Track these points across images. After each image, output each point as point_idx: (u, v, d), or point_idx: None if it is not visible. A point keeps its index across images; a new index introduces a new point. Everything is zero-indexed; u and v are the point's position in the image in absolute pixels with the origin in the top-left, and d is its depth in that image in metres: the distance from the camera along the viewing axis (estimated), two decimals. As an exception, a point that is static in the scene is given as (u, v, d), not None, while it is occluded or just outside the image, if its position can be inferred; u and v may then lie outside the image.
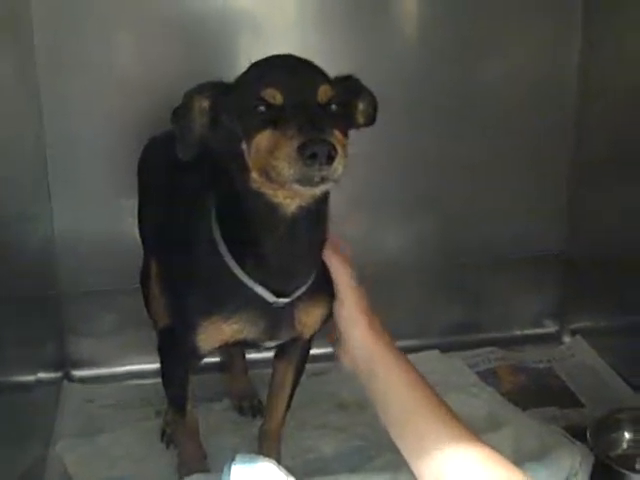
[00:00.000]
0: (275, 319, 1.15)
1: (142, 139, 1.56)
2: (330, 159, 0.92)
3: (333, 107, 1.02)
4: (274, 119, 0.98)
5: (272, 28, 1.69)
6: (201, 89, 1.06)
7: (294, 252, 1.09)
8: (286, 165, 0.94)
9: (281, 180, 0.96)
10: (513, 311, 1.97)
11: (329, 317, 1.22)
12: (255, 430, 1.49)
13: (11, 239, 1.38)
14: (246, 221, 1.08)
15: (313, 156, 0.92)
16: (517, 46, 1.79)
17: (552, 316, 1.97)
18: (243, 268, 1.11)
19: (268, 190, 1.02)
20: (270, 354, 1.53)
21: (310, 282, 1.15)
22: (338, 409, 1.64)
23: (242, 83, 1.06)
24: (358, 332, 1.18)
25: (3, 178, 1.33)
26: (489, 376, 1.75)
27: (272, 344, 1.22)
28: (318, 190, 0.98)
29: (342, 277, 1.19)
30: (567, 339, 1.92)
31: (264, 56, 1.08)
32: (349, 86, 1.09)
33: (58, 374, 1.76)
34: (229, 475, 1.12)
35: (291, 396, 1.36)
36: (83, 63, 1.65)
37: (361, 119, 1.13)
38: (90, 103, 1.67)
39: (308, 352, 1.33)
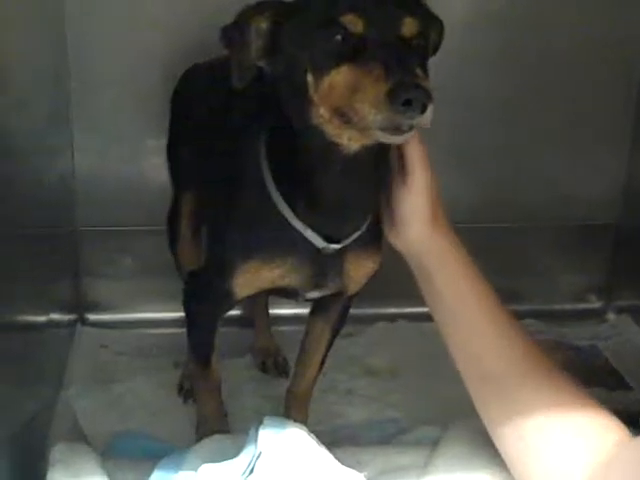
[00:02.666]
0: (322, 267, 1.05)
1: (171, 75, 1.47)
2: (424, 107, 0.81)
3: (415, 42, 0.90)
4: (353, 52, 0.86)
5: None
6: (260, 8, 0.94)
7: (350, 194, 0.99)
8: (373, 110, 0.82)
9: (363, 125, 0.85)
10: (554, 283, 1.85)
11: (376, 271, 1.12)
12: (279, 390, 1.40)
13: (27, 171, 1.28)
14: (300, 158, 0.97)
15: (407, 103, 0.80)
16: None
17: (597, 291, 1.86)
18: (292, 208, 1.00)
19: (332, 130, 0.91)
20: (295, 310, 1.44)
21: (364, 229, 1.04)
22: (367, 375, 1.54)
23: (311, 3, 0.93)
24: (418, 224, 1.07)
25: (21, 104, 1.24)
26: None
27: (314, 295, 1.11)
28: (403, 138, 0.87)
29: (418, 155, 1.05)
30: (612, 316, 1.81)
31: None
32: (421, 13, 0.96)
33: (72, 316, 1.67)
34: (256, 440, 1.03)
35: (324, 357, 1.27)
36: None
37: (430, 51, 1.01)
38: (117, 35, 1.57)
39: (348, 310, 1.23)
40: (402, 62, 0.83)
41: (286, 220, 1.01)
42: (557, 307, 1.84)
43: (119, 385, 1.45)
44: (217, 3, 1.52)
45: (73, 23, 1.53)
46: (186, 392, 1.42)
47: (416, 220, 1.07)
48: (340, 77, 0.86)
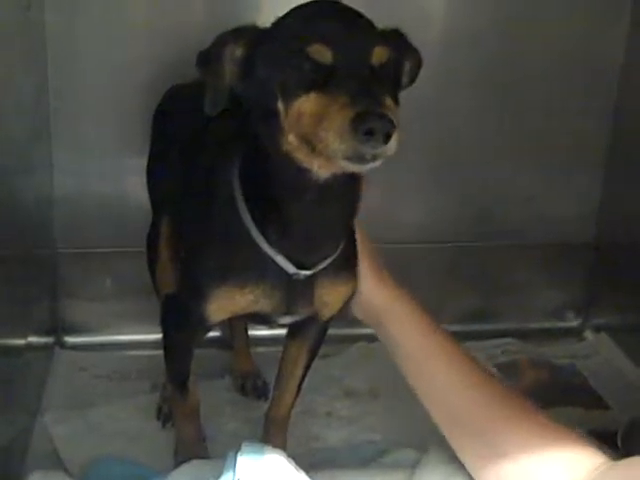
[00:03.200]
0: (293, 293, 1.05)
1: (152, 94, 1.47)
2: (387, 137, 0.81)
3: (386, 70, 0.90)
4: (321, 81, 0.86)
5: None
6: (235, 35, 0.95)
7: (321, 221, 1.00)
8: (337, 139, 0.82)
9: (327, 154, 0.85)
10: (532, 301, 1.86)
11: (350, 298, 1.13)
12: (258, 412, 1.40)
13: (5, 191, 1.28)
14: (271, 184, 0.98)
15: (369, 133, 0.81)
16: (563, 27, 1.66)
17: (575, 309, 1.87)
18: (264, 234, 1.01)
19: (302, 157, 0.92)
20: (275, 331, 1.44)
21: (335, 255, 1.05)
22: (346, 396, 1.54)
23: (283, 32, 0.93)
24: (366, 286, 1.15)
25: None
26: (509, 369, 1.64)
27: (287, 320, 1.12)
28: (367, 168, 0.86)
29: (357, 231, 1.12)
30: (590, 335, 1.82)
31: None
32: (396, 43, 0.97)
33: (49, 339, 1.66)
34: (234, 466, 1.02)
35: (302, 380, 1.26)
36: (91, 9, 1.53)
37: (405, 80, 1.02)
38: (98, 54, 1.57)
39: (324, 334, 1.23)
40: (368, 91, 0.84)
41: (258, 246, 1.01)
42: (534, 325, 1.85)
43: (97, 410, 1.43)
44: (199, 24, 1.56)
45: (54, 42, 1.53)
46: (164, 416, 1.41)
47: (364, 281, 1.14)
48: (307, 105, 0.86)
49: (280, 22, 0.95)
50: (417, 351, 1.12)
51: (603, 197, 1.77)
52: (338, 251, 1.05)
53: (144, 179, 1.50)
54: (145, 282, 1.50)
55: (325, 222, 1.00)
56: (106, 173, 1.64)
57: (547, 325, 1.86)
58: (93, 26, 1.54)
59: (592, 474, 0.95)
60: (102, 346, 1.68)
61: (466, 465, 1.08)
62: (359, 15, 0.93)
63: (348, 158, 0.84)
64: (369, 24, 0.93)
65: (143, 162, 1.48)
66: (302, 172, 0.93)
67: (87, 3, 1.53)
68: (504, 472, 1.00)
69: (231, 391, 1.54)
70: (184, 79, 1.41)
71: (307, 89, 0.87)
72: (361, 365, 1.62)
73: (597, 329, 1.81)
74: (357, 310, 1.19)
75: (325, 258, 1.04)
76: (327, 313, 1.12)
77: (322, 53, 0.87)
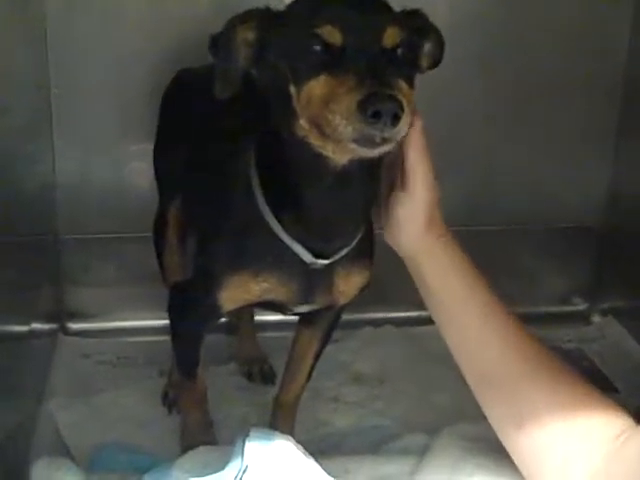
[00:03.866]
0: (310, 282, 1.03)
1: (154, 82, 1.46)
2: (396, 119, 0.80)
3: (399, 52, 0.88)
4: (331, 63, 0.84)
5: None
6: (246, 17, 0.92)
7: (340, 209, 0.97)
8: (343, 121, 0.81)
9: (335, 137, 0.83)
10: (539, 285, 1.84)
11: (367, 286, 1.10)
12: (264, 398, 1.39)
13: (8, 178, 1.27)
14: (288, 170, 0.95)
15: (377, 115, 0.79)
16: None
17: (582, 293, 1.85)
18: (280, 221, 0.98)
19: (316, 141, 0.89)
20: (281, 317, 1.42)
21: (354, 244, 1.02)
22: (354, 381, 1.52)
23: (294, 14, 0.91)
24: (413, 227, 1.07)
25: (1, 112, 1.22)
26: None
27: (303, 309, 1.09)
28: (377, 152, 0.85)
29: (420, 160, 1.04)
30: (597, 319, 1.81)
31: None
32: (415, 24, 0.95)
33: (53, 326, 1.64)
34: (242, 453, 1.01)
35: (313, 367, 1.25)
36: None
37: (425, 62, 0.99)
38: (100, 42, 1.55)
39: (338, 321, 1.21)
40: (378, 73, 0.82)
41: (274, 233, 0.99)
42: (542, 310, 1.83)
43: (102, 396, 1.42)
44: (201, 10, 1.54)
45: (55, 30, 1.51)
46: (171, 402, 1.40)
47: (411, 224, 1.07)
48: (316, 87, 0.85)
49: (292, 5, 0.93)
50: (451, 301, 1.08)
51: (610, 180, 1.75)
52: (356, 240, 1.03)
53: (145, 165, 1.48)
54: (149, 267, 1.49)
55: (343, 210, 0.97)
56: (108, 159, 1.62)
57: (554, 310, 1.84)
58: (95, 14, 1.52)
59: (617, 441, 0.95)
60: (106, 332, 1.66)
61: (492, 423, 1.07)
62: (382, 3, 0.91)
63: (356, 141, 0.82)
64: (383, 5, 0.91)
65: (144, 148, 1.47)
66: (319, 158, 0.91)
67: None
68: (531, 434, 0.99)
69: (237, 376, 1.53)
70: (188, 65, 1.40)
71: (317, 71, 0.85)
72: (369, 350, 1.60)
73: (604, 313, 1.80)
74: (393, 242, 1.11)
75: (343, 247, 1.01)
76: (342, 301, 1.10)
77: (332, 34, 0.85)
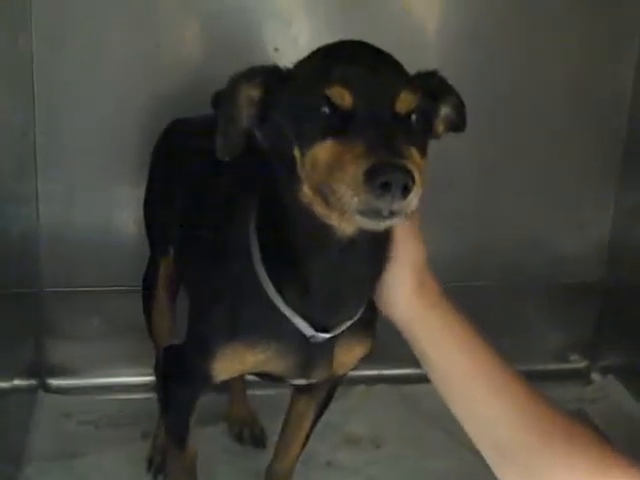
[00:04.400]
0: (309, 356, 0.96)
1: (141, 127, 1.44)
2: (406, 191, 0.73)
3: (413, 118, 0.82)
4: (339, 127, 0.79)
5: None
6: (252, 74, 0.86)
7: (345, 283, 0.90)
8: (349, 192, 0.74)
9: (340, 207, 0.77)
10: (538, 342, 1.79)
11: (368, 355, 1.03)
12: (256, 462, 1.34)
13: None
14: (291, 238, 0.89)
15: (385, 186, 0.73)
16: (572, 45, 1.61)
17: (581, 350, 1.81)
18: (280, 292, 0.92)
19: (321, 210, 0.83)
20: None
21: (357, 318, 0.96)
22: (347, 444, 1.47)
23: (303, 73, 0.86)
24: (402, 293, 0.98)
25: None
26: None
27: (301, 382, 1.02)
28: (384, 225, 0.78)
29: (406, 229, 0.96)
30: (597, 377, 1.76)
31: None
32: (432, 86, 0.89)
33: (33, 382, 1.58)
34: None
35: (309, 435, 1.19)
36: (80, 42, 1.48)
37: (441, 127, 0.93)
38: (86, 87, 1.51)
39: (335, 389, 1.15)
40: (389, 141, 0.76)
41: (272, 302, 0.92)
42: (540, 367, 1.77)
43: (83, 460, 1.36)
44: (192, 57, 1.51)
45: (42, 76, 1.47)
46: (156, 468, 1.34)
47: (400, 290, 0.98)
48: (322, 153, 0.79)
49: (301, 63, 0.88)
50: (454, 374, 0.98)
51: (612, 235, 1.72)
52: (360, 313, 0.96)
53: (134, 215, 1.44)
54: (134, 321, 1.42)
55: (349, 284, 0.91)
56: (94, 209, 1.58)
57: (552, 367, 1.79)
58: (82, 60, 1.49)
59: None
60: (88, 389, 1.60)
61: None
62: (387, 57, 0.86)
63: (362, 213, 0.75)
64: (398, 67, 0.86)
65: (133, 197, 1.43)
66: (324, 227, 0.85)
67: (76, 36, 1.47)
68: None
69: (227, 439, 1.47)
70: (174, 112, 1.36)
71: (323, 135, 0.79)
72: (362, 410, 1.54)
73: (604, 371, 1.76)
74: (387, 313, 1.02)
75: (346, 320, 0.95)
76: (341, 371, 1.04)
77: (342, 96, 0.79)
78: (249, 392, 1.53)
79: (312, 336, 0.93)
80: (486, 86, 1.58)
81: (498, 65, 1.59)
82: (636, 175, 1.66)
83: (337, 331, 0.94)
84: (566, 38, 1.60)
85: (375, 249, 0.91)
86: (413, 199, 0.74)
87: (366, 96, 0.79)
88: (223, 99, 0.87)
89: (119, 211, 1.57)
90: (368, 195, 0.73)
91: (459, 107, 0.92)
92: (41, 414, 1.50)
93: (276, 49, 1.48)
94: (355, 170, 0.74)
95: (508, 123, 1.62)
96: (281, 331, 0.93)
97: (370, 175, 0.73)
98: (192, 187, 1.18)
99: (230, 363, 0.96)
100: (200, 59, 1.52)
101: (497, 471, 0.98)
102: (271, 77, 0.86)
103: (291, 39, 1.48)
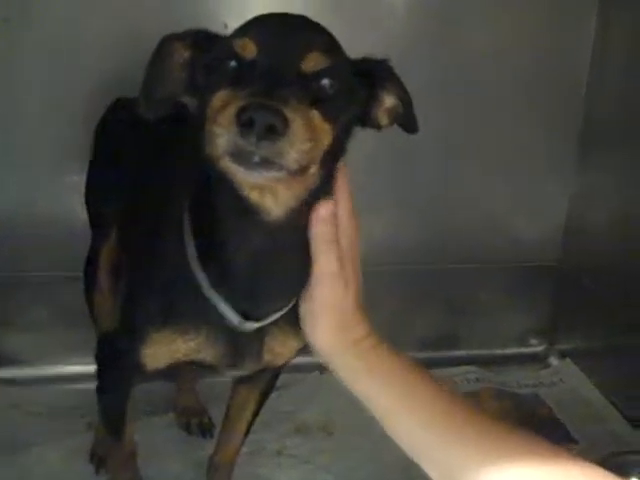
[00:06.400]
0: (238, 346, 0.93)
1: (92, 110, 1.36)
2: (273, 132, 0.69)
3: (325, 83, 0.78)
4: (237, 79, 0.76)
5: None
6: (182, 35, 0.84)
7: (270, 270, 0.87)
8: (219, 132, 0.72)
9: (215, 153, 0.74)
10: (494, 326, 1.78)
11: (306, 347, 0.98)
12: (202, 453, 1.31)
13: None
14: (219, 220, 0.85)
15: (249, 124, 0.69)
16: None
17: (539, 334, 1.80)
18: (209, 277, 0.88)
19: (226, 170, 0.78)
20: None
21: (288, 309, 0.92)
22: (298, 433, 1.44)
23: (226, 37, 0.83)
24: (318, 327, 0.90)
25: None
26: (470, 398, 1.55)
27: (233, 373, 0.99)
28: (258, 176, 0.74)
29: (321, 259, 0.88)
30: (555, 361, 1.75)
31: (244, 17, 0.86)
32: (375, 72, 0.85)
33: (-20, 373, 1.54)
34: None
35: (250, 425, 1.16)
36: (31, 25, 1.43)
37: (384, 118, 0.88)
38: (36, 70, 1.47)
39: (276, 378, 1.13)
40: (275, 90, 0.72)
41: (201, 288, 0.89)
42: (497, 352, 1.77)
43: (27, 453, 1.33)
44: (141, 35, 1.46)
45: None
46: (98, 460, 1.31)
47: (317, 328, 0.90)
48: (215, 102, 0.77)
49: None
50: (379, 413, 0.90)
51: (568, 221, 1.71)
52: (291, 304, 0.92)
53: (82, 198, 1.39)
54: (84, 309, 1.38)
55: (274, 271, 0.87)
56: (40, 192, 1.53)
57: (510, 351, 1.78)
58: (30, 42, 1.44)
59: None
60: (37, 379, 1.57)
61: None
62: (313, 26, 0.83)
63: (232, 156, 0.72)
64: (321, 34, 0.82)
65: (82, 182, 1.37)
66: (250, 207, 0.81)
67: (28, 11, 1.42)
68: None
69: (174, 429, 1.44)
70: (122, 92, 1.32)
71: (222, 86, 0.77)
72: (314, 398, 1.52)
73: (562, 355, 1.75)
74: (306, 335, 0.94)
75: (275, 311, 0.91)
76: (279, 362, 1.00)
77: (245, 47, 0.77)
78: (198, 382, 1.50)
79: (239, 324, 0.90)
80: (452, 67, 1.57)
81: (464, 46, 1.57)
82: (592, 159, 1.64)
83: (265, 322, 0.91)
84: (531, 17, 1.58)
85: (306, 239, 0.87)
86: (288, 149, 0.71)
87: (271, 50, 0.77)
88: (152, 57, 0.84)
89: (68, 194, 1.52)
90: (233, 133, 0.70)
91: (404, 100, 0.87)
92: (-13, 406, 1.46)
93: (226, 25, 1.44)
94: (229, 111, 0.71)
95: (471, 103, 1.60)
96: (211, 318, 0.90)
97: (238, 114, 0.70)
98: (133, 167, 1.14)
99: (160, 349, 0.93)
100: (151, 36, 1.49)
101: None
102: (200, 39, 0.84)
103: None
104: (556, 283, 1.76)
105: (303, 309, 0.92)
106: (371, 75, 0.85)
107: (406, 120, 0.89)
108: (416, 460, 0.90)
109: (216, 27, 0.89)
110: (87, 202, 1.34)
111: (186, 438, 1.42)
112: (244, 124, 0.69)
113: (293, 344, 0.96)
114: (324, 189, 0.85)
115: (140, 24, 1.47)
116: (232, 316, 0.89)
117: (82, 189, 1.39)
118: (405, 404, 0.88)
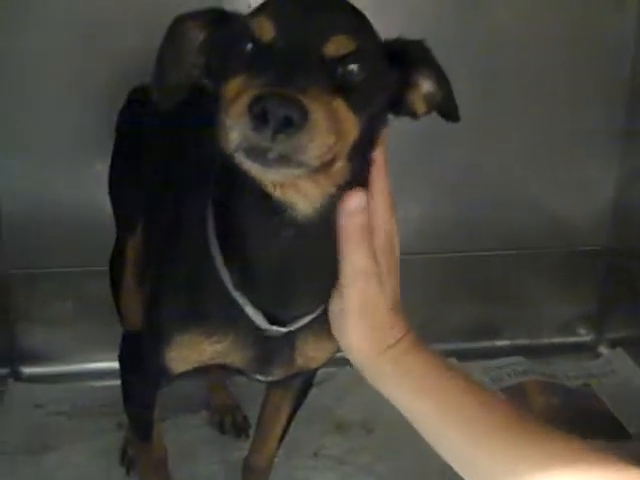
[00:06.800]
0: (267, 351, 0.86)
1: (113, 94, 1.29)
2: (290, 125, 0.62)
3: (352, 68, 0.70)
4: (256, 63, 0.68)
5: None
6: (196, 15, 0.76)
7: (301, 272, 0.79)
8: (230, 125, 0.64)
9: (228, 148, 0.65)
10: (540, 315, 1.70)
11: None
12: (236, 453, 1.26)
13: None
14: (242, 218, 0.78)
15: (263, 117, 0.61)
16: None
17: (587, 322, 1.71)
18: (234, 278, 0.81)
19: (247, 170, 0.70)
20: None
21: (317, 313, 0.84)
22: (336, 430, 1.38)
23: (244, 15, 0.74)
24: (349, 340, 0.83)
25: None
26: (517, 394, 1.47)
27: (263, 378, 0.92)
28: (275, 173, 0.67)
29: (352, 258, 0.81)
30: (605, 351, 1.66)
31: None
32: (409, 52, 0.77)
33: (3, 370, 1.50)
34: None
35: (286, 430, 1.09)
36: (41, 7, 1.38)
37: (421, 106, 0.79)
38: (51, 51, 1.40)
39: (311, 381, 1.06)
40: (294, 77, 0.64)
41: (227, 290, 0.82)
42: (543, 342, 1.69)
43: (52, 456, 1.28)
44: (163, 14, 1.39)
45: (3, 49, 1.38)
46: (129, 460, 1.26)
47: (344, 339, 0.84)
48: (229, 90, 0.69)
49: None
50: (422, 424, 0.84)
51: (616, 201, 1.62)
52: (320, 310, 0.84)
53: (105, 190, 1.33)
54: (110, 304, 1.32)
55: (306, 272, 0.80)
56: (61, 184, 1.48)
57: (557, 341, 1.70)
58: (46, 24, 1.39)
59: None
60: (62, 377, 1.52)
61: None
62: (342, 5, 0.74)
63: (247, 152, 0.64)
64: (348, 14, 0.74)
65: (102, 171, 1.31)
66: (274, 204, 0.74)
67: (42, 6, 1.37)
68: None
69: (207, 428, 1.38)
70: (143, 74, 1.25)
71: (237, 72, 0.69)
72: (353, 393, 1.44)
73: (612, 344, 1.66)
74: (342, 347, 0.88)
75: (304, 315, 0.84)
76: (313, 365, 0.93)
77: (262, 28, 0.69)
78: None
79: (267, 329, 0.82)
80: (485, 42, 1.49)
81: (497, 19, 1.49)
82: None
83: (295, 326, 0.83)
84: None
85: (333, 243, 0.79)
86: (308, 145, 0.63)
87: (290, 31, 0.68)
88: (163, 39, 0.76)
89: (89, 186, 1.47)
90: (245, 126, 0.62)
91: (443, 85, 0.78)
92: (11, 405, 1.42)
93: (249, 5, 1.37)
94: (241, 101, 0.63)
95: (508, 79, 1.52)
96: (238, 321, 0.83)
97: (251, 105, 0.62)
98: (157, 159, 1.07)
99: (185, 352, 0.86)
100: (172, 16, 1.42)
101: None
102: (215, 19, 0.76)
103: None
104: (602, 268, 1.68)
105: (332, 310, 0.84)
106: (406, 57, 0.77)
107: (446, 107, 0.80)
108: (461, 474, 0.83)
109: (240, 7, 0.82)
110: (111, 197, 1.28)
111: (219, 438, 1.36)
112: (257, 116, 0.61)
113: (327, 347, 0.89)
114: (356, 182, 0.76)
115: (162, 2, 1.41)
116: (259, 319, 0.82)
117: (106, 180, 1.34)
118: (441, 414, 0.82)
